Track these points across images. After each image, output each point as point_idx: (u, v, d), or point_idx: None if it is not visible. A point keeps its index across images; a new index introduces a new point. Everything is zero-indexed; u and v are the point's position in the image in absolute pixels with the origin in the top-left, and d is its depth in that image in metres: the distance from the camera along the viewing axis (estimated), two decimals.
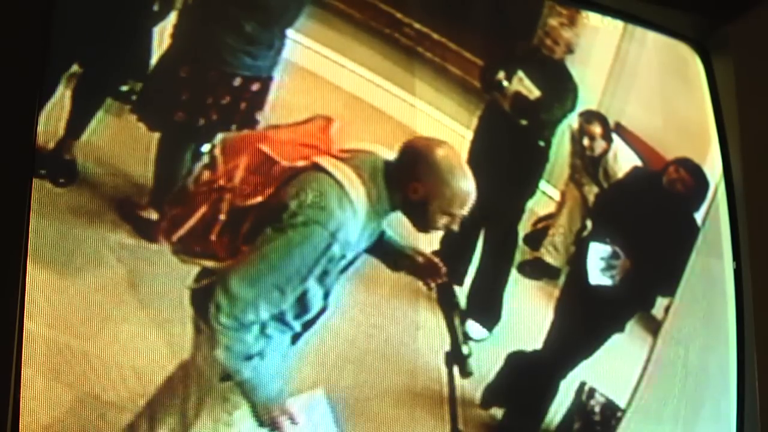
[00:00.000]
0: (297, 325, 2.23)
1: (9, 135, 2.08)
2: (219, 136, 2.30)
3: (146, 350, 2.27)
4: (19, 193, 2.10)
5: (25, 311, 2.09)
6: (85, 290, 2.22)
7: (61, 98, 2.28)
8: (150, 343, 2.27)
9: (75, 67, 2.30)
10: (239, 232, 2.13)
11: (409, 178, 2.21)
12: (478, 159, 2.63)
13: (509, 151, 2.76)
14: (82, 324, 2.20)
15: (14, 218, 2.09)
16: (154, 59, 2.38)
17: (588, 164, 2.86)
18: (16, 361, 2.05)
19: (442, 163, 2.24)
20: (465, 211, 2.25)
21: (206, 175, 2.18)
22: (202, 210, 2.14)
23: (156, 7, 2.40)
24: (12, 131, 2.09)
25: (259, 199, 2.11)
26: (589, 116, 2.84)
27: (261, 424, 2.22)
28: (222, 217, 2.12)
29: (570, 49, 2.78)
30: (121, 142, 2.30)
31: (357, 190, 2.15)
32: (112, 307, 2.24)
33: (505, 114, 2.74)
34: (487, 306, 2.66)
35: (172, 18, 2.39)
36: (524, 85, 2.75)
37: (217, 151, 2.19)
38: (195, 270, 2.22)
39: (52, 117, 2.26)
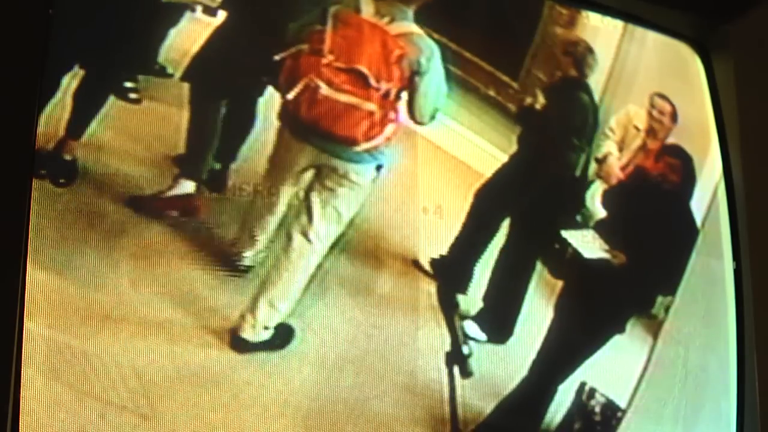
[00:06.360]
0: None
1: (9, 135, 2.08)
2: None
3: (146, 350, 2.27)
4: (19, 193, 2.10)
5: (25, 311, 2.09)
6: (85, 290, 2.22)
7: (62, 98, 2.28)
8: (150, 343, 2.27)
9: (76, 67, 2.30)
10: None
11: None
12: (507, 183, 2.65)
13: (539, 178, 2.76)
14: (82, 324, 2.20)
15: (14, 218, 2.09)
16: (157, 57, 2.39)
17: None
18: (16, 361, 2.05)
19: None
20: None
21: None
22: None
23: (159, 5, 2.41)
24: (12, 131, 2.10)
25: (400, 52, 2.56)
26: (660, 95, 2.85)
27: None
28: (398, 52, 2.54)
29: (583, 66, 2.78)
30: (121, 141, 2.30)
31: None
32: (112, 307, 2.24)
33: (534, 139, 2.74)
34: (500, 322, 2.65)
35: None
36: (547, 108, 2.75)
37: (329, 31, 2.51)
38: None
39: (52, 117, 2.25)
